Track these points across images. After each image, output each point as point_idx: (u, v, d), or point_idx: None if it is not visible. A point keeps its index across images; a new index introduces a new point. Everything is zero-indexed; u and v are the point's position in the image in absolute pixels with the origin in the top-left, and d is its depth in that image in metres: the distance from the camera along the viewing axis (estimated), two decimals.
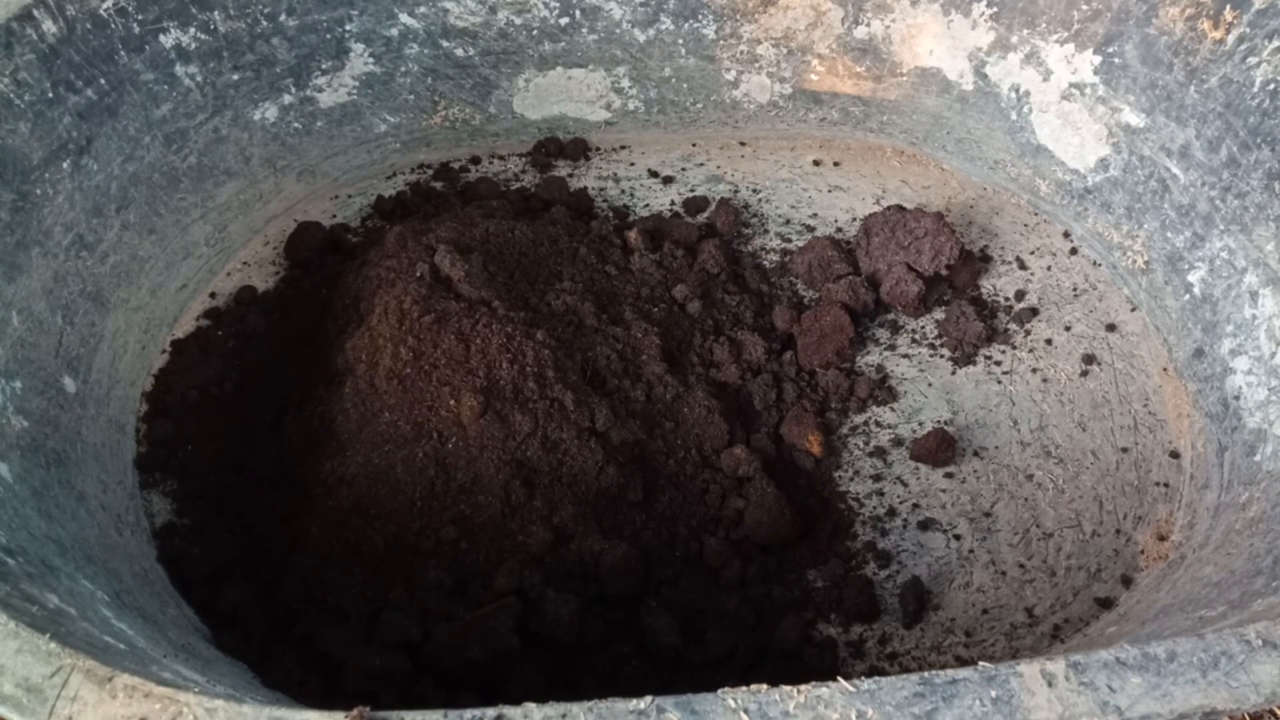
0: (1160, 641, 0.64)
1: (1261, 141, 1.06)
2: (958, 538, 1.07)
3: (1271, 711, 1.15)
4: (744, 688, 0.62)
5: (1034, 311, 1.26)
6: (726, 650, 0.96)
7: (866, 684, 0.63)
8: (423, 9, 1.32)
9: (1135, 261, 1.24)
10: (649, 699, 0.62)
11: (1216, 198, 1.12)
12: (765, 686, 0.62)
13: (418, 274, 1.12)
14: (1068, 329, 1.24)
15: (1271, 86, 1.05)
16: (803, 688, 0.62)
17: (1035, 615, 1.02)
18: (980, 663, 0.64)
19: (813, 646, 0.99)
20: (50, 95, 1.05)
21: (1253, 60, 1.07)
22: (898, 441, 1.15)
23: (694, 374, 1.15)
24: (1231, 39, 1.09)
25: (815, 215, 1.38)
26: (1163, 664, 0.64)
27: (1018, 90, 1.34)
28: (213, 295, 1.26)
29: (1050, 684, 0.63)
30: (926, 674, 0.63)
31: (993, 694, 0.62)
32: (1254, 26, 1.07)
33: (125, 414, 1.11)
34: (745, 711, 0.61)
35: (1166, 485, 1.11)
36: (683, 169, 1.44)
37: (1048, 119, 1.33)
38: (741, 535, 1.04)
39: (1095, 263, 1.31)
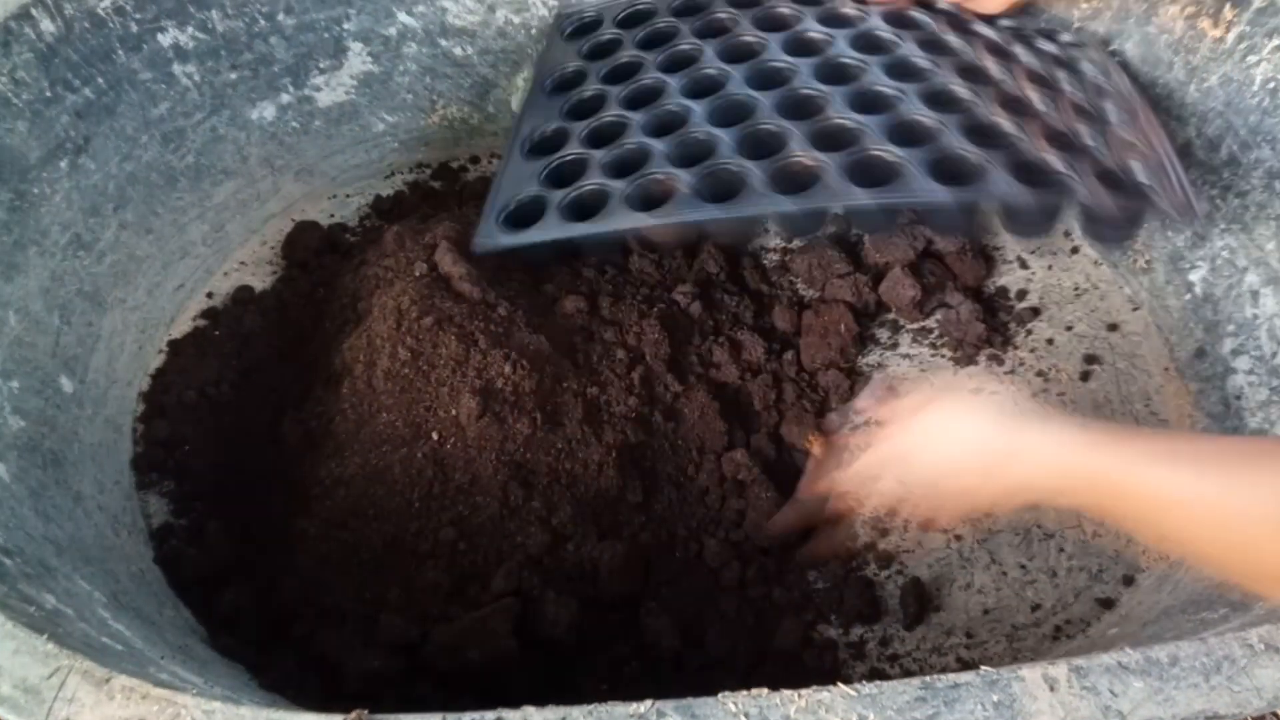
0: (1163, 645, 0.64)
1: (1262, 140, 1.05)
2: (958, 538, 1.07)
3: (1275, 713, 1.15)
4: (744, 691, 0.62)
5: (1035, 311, 1.25)
6: (726, 652, 0.96)
7: (868, 688, 0.62)
8: (421, 8, 1.32)
9: (1136, 261, 1.24)
10: (649, 702, 0.62)
11: (1217, 197, 1.12)
12: (766, 690, 0.62)
13: (416, 274, 1.12)
14: (1069, 329, 1.24)
15: (1272, 85, 1.05)
16: (803, 692, 0.62)
17: (1037, 616, 1.02)
18: (982, 667, 0.63)
19: (813, 648, 0.98)
20: (48, 94, 1.05)
21: (1253, 59, 1.07)
22: None
23: (693, 374, 1.15)
24: (1231, 37, 1.09)
25: None
26: (1165, 668, 0.63)
27: None
28: (210, 295, 1.26)
29: (1052, 688, 0.62)
30: (928, 678, 0.63)
31: (995, 698, 0.62)
32: (1254, 25, 1.07)
33: (122, 414, 1.11)
34: (745, 715, 0.61)
35: None
36: None
37: None
38: (741, 536, 1.03)
39: (1096, 262, 1.30)
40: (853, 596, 1.01)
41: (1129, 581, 1.04)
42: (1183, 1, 1.15)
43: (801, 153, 1.06)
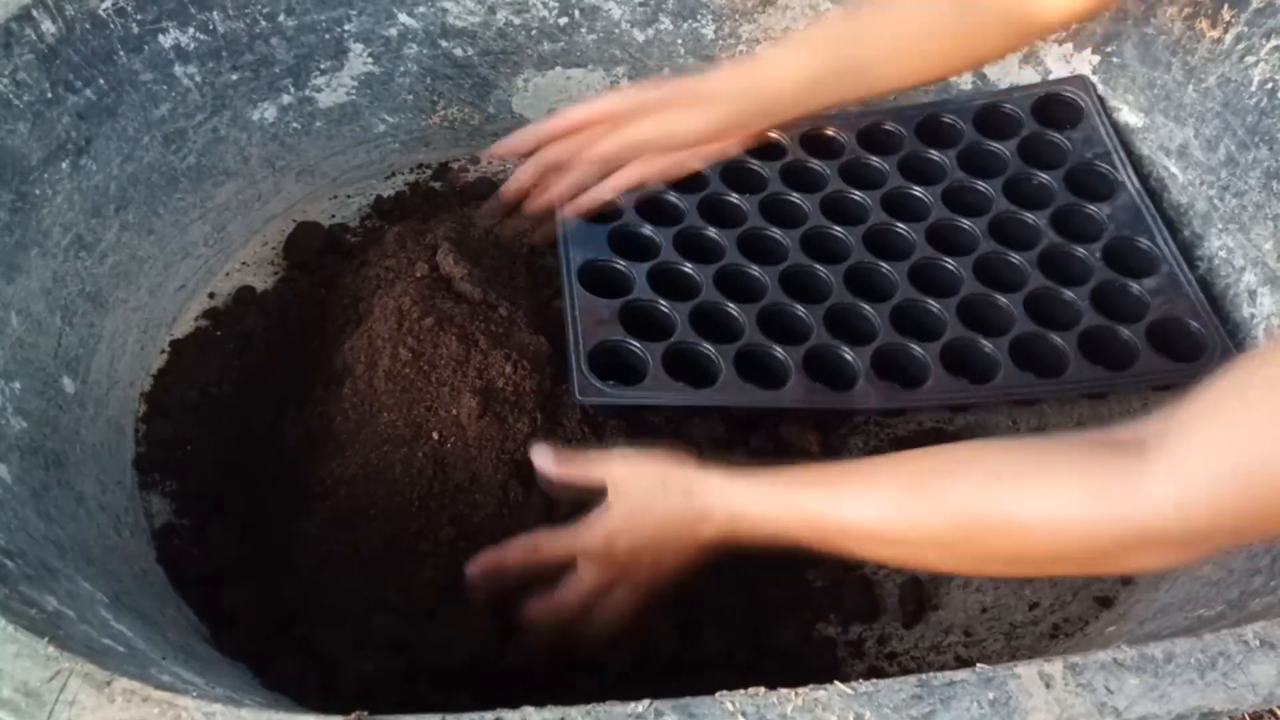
0: (1158, 643, 0.65)
1: (1259, 140, 1.06)
2: None
3: (1271, 711, 1.15)
4: (741, 691, 0.62)
5: None
6: (725, 651, 0.96)
7: (864, 686, 0.63)
8: (421, 9, 1.32)
9: None
10: (646, 702, 0.62)
11: (1215, 197, 1.12)
12: (763, 690, 0.63)
13: (417, 274, 1.12)
14: None
15: (1269, 85, 1.05)
16: (800, 690, 0.62)
17: (1035, 614, 1.02)
18: (978, 665, 0.64)
19: (811, 646, 0.99)
20: (49, 95, 1.05)
21: (1250, 59, 1.07)
22: (897, 441, 1.15)
23: None
24: (1229, 38, 1.09)
25: None
26: (1160, 665, 0.64)
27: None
28: (211, 295, 1.26)
29: (1048, 685, 0.63)
30: (924, 676, 0.63)
31: (990, 696, 0.62)
32: (1251, 26, 1.07)
33: (124, 414, 1.11)
34: (743, 714, 0.61)
35: None
36: None
37: None
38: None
39: None
40: (851, 595, 1.02)
41: (1127, 580, 1.04)
42: (1181, 2, 1.15)
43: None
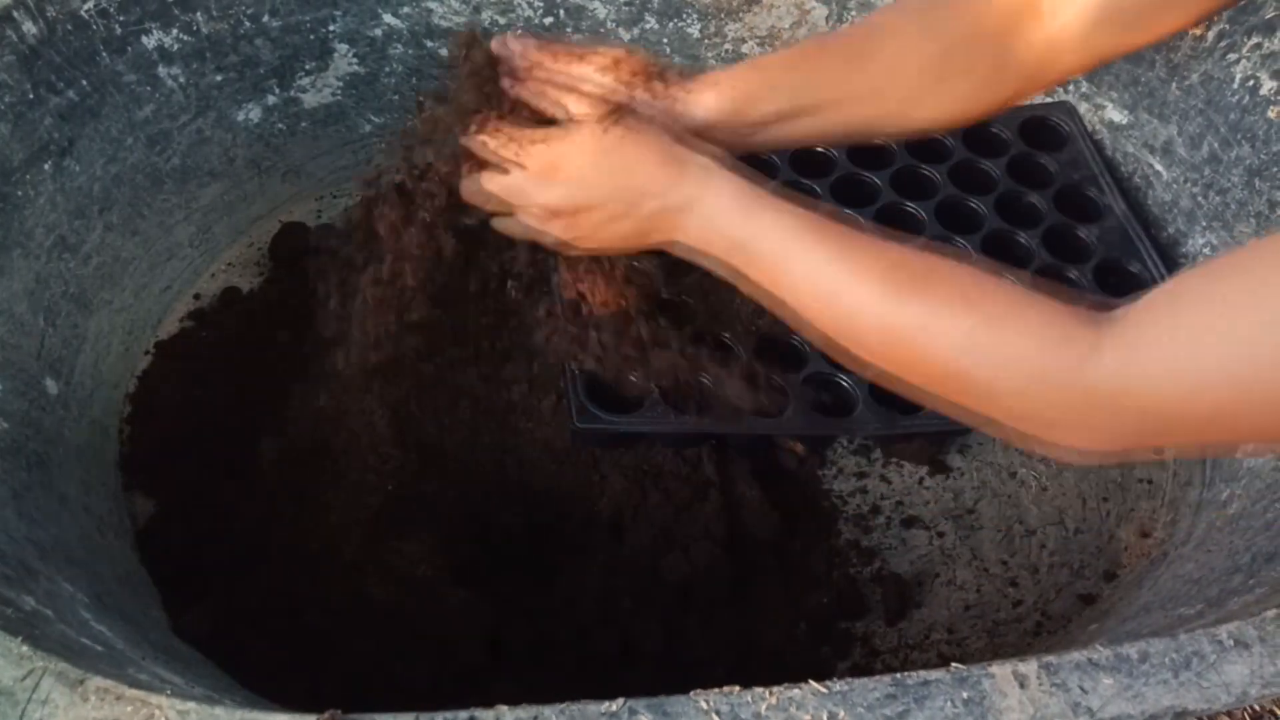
0: (1132, 642, 0.65)
1: (1241, 138, 1.06)
2: (941, 535, 1.07)
3: (1272, 710, 1.15)
4: (716, 689, 0.62)
5: None
6: (710, 651, 0.96)
7: (839, 685, 0.63)
8: (406, 9, 1.32)
9: None
10: (620, 700, 0.62)
11: (1199, 194, 1.12)
12: (737, 688, 0.62)
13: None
14: None
15: (1251, 83, 1.05)
16: (775, 689, 0.62)
17: (1018, 612, 1.03)
18: (953, 664, 0.64)
19: (796, 645, 0.99)
20: (31, 96, 1.05)
21: (1233, 57, 1.07)
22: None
23: None
24: (1211, 35, 1.09)
25: None
26: (1135, 665, 0.64)
27: None
28: (197, 296, 1.26)
29: (1022, 685, 0.63)
30: (899, 675, 0.63)
31: (964, 695, 0.62)
32: (1234, 24, 1.07)
33: (108, 415, 1.11)
34: (717, 713, 0.61)
35: (1150, 482, 1.11)
36: None
37: None
38: (724, 534, 1.04)
39: None
40: (836, 594, 1.02)
41: (1110, 578, 1.04)
42: None
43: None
